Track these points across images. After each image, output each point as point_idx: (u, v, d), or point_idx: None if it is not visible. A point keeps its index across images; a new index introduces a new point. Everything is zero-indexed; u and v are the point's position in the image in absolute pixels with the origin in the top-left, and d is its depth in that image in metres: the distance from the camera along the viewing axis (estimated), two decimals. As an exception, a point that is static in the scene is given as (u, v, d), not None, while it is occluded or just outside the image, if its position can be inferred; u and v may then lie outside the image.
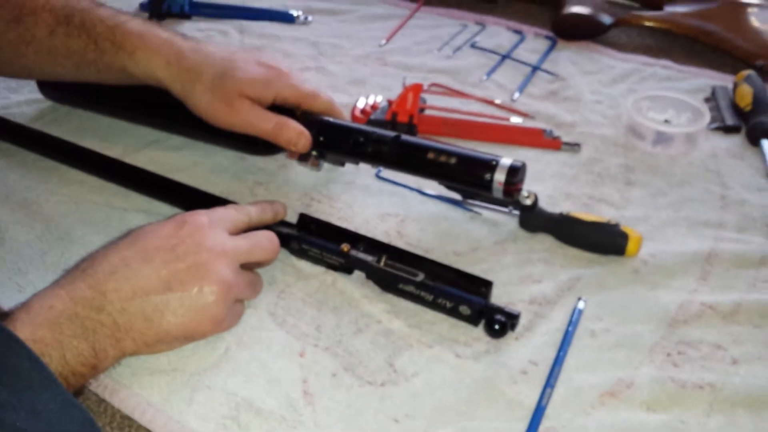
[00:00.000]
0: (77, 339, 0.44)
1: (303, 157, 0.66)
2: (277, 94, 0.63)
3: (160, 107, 0.70)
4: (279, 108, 0.64)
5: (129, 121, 0.76)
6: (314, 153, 0.64)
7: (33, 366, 0.40)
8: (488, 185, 0.57)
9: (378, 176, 0.70)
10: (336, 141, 0.63)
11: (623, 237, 0.59)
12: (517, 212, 0.63)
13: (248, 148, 0.70)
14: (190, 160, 0.72)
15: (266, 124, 0.62)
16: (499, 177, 0.57)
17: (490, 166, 0.57)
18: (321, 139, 0.63)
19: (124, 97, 0.72)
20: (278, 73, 0.64)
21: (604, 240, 0.60)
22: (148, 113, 0.73)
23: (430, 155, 0.59)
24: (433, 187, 0.66)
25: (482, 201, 0.64)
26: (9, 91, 0.82)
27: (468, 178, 0.58)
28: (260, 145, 0.66)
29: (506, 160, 0.57)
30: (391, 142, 0.61)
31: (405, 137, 0.61)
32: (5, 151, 0.72)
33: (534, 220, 0.62)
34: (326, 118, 0.65)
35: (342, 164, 0.68)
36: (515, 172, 0.57)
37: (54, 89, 0.78)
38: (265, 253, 0.55)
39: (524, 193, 0.60)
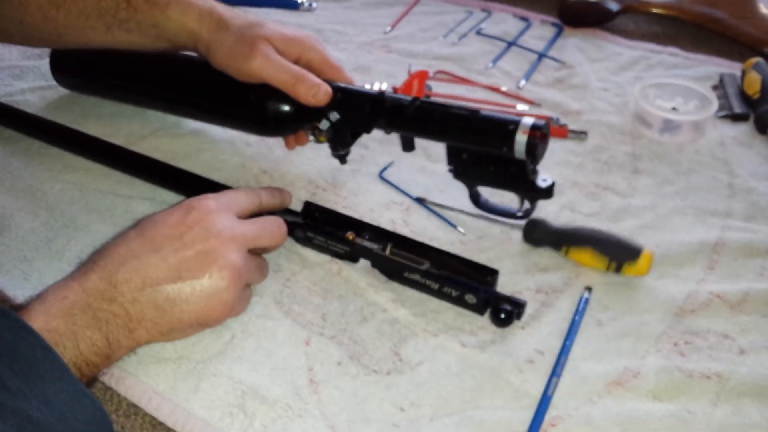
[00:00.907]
0: (90, 329, 0.44)
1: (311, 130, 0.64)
2: (302, 54, 0.62)
3: (174, 88, 0.69)
4: None
5: (142, 106, 0.75)
6: (321, 127, 0.61)
7: (46, 356, 0.40)
8: (511, 135, 0.54)
9: (381, 177, 0.69)
10: (354, 105, 0.60)
11: (637, 249, 0.56)
12: (521, 219, 0.60)
13: (258, 127, 0.67)
14: (195, 148, 0.71)
15: (284, 73, 0.59)
16: (524, 127, 0.54)
17: (514, 121, 0.54)
18: (338, 96, 0.60)
19: (140, 79, 0.72)
20: (308, 36, 0.63)
21: (616, 248, 0.57)
22: (162, 95, 0.72)
23: (453, 110, 0.57)
24: (434, 194, 0.66)
25: (493, 184, 0.60)
26: (13, 78, 0.82)
27: (491, 129, 0.55)
28: (271, 123, 0.63)
29: (529, 118, 0.55)
30: (411, 102, 0.58)
31: (424, 98, 0.59)
32: (9, 139, 0.72)
33: (538, 233, 0.59)
34: (342, 84, 0.62)
35: (348, 144, 0.64)
36: (539, 127, 0.54)
37: (69, 76, 0.77)
38: (273, 238, 0.54)
39: (542, 176, 0.57)
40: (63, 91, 0.79)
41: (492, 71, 0.87)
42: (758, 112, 0.77)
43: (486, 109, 0.56)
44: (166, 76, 0.70)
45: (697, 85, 0.78)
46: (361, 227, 0.58)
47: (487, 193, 0.62)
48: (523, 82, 0.84)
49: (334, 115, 0.61)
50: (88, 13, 0.63)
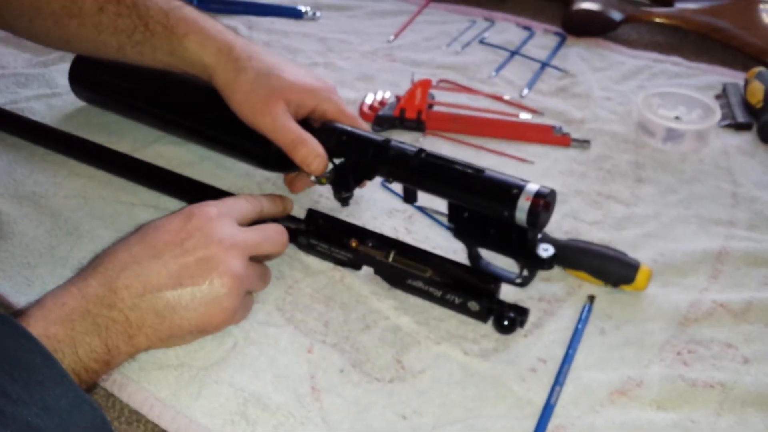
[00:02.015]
0: (89, 336, 0.44)
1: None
2: (317, 105, 0.62)
3: (187, 117, 0.70)
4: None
5: (155, 128, 0.75)
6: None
7: (45, 362, 0.40)
8: (514, 200, 0.51)
9: (383, 185, 0.69)
10: (358, 150, 0.59)
11: (633, 268, 0.56)
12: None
13: (259, 161, 0.68)
14: (198, 156, 0.72)
15: (288, 134, 0.60)
16: (528, 193, 0.51)
17: (518, 185, 0.52)
18: (344, 138, 0.60)
19: (157, 104, 0.72)
20: (325, 87, 0.63)
21: (612, 270, 0.57)
22: (175, 122, 0.72)
23: (457, 167, 0.54)
24: (437, 203, 0.65)
25: (492, 248, 0.56)
26: (18, 86, 0.82)
27: (493, 192, 0.53)
28: (272, 160, 0.64)
29: (534, 184, 0.52)
30: (416, 154, 0.56)
31: (430, 151, 0.57)
32: (14, 146, 0.73)
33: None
34: (348, 126, 0.61)
35: (349, 189, 0.62)
36: (543, 195, 0.51)
37: (87, 90, 0.77)
38: (274, 245, 0.54)
39: (543, 245, 0.54)
40: (67, 98, 0.79)
41: (495, 80, 0.87)
42: (761, 121, 0.77)
43: (492, 170, 0.54)
44: (182, 104, 0.70)
45: (700, 95, 0.78)
46: (364, 235, 0.58)
47: (488, 254, 0.58)
48: (525, 91, 0.84)
49: (339, 159, 0.61)
50: (102, 29, 0.62)
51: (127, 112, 0.76)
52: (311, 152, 0.59)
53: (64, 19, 0.62)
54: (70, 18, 0.62)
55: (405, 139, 0.75)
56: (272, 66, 0.61)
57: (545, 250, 0.53)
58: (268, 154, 0.63)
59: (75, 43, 0.65)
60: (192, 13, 0.62)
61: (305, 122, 0.62)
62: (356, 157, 0.60)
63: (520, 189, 0.51)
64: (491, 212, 0.53)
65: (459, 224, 0.56)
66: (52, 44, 0.69)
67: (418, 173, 0.56)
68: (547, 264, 0.53)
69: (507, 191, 0.51)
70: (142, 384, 0.49)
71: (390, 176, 0.59)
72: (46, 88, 0.81)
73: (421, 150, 0.56)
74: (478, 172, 0.53)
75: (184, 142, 0.73)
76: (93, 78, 0.76)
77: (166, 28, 0.61)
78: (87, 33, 0.63)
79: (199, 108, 0.68)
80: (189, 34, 0.61)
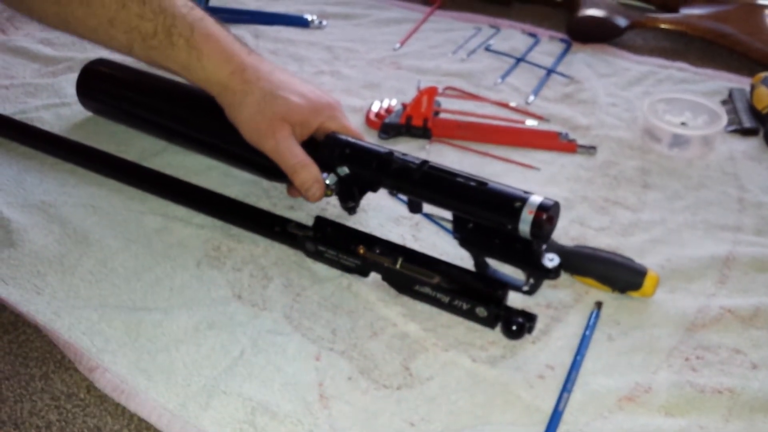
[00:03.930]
0: None
1: None
2: (322, 124, 0.63)
3: (193, 128, 0.70)
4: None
5: (160, 138, 0.75)
6: (328, 182, 0.61)
7: None
8: (517, 213, 0.51)
9: (390, 192, 0.69)
10: (362, 162, 0.60)
11: (640, 275, 0.56)
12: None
13: (264, 172, 0.68)
14: (205, 164, 0.72)
15: (291, 158, 0.61)
16: (531, 206, 0.51)
17: (521, 197, 0.52)
18: (347, 151, 0.60)
19: (163, 116, 0.72)
20: (328, 104, 0.64)
21: (619, 276, 0.57)
22: (181, 133, 0.72)
23: (460, 180, 0.54)
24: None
25: (498, 257, 0.56)
26: (27, 96, 0.83)
27: (496, 204, 0.53)
28: (277, 171, 0.63)
29: (537, 196, 0.52)
30: (419, 166, 0.56)
31: (433, 163, 0.57)
32: (23, 155, 0.73)
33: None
34: (352, 138, 0.62)
35: (355, 200, 0.63)
36: (546, 208, 0.51)
37: (94, 100, 0.77)
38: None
39: (548, 255, 0.53)
40: (76, 108, 0.80)
41: (501, 87, 0.87)
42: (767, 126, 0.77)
43: (495, 182, 0.54)
44: (189, 116, 0.70)
45: (706, 100, 0.78)
46: (371, 241, 0.58)
47: (495, 262, 0.58)
48: (531, 98, 0.84)
49: (343, 170, 0.61)
50: (116, 24, 0.60)
51: (135, 123, 0.76)
52: (310, 178, 0.60)
53: (72, 3, 0.60)
54: (79, 4, 0.60)
55: (411, 146, 0.76)
56: (278, 86, 0.62)
57: (551, 260, 0.53)
58: (272, 166, 0.64)
59: (74, 27, 0.63)
60: (214, 27, 0.62)
61: (310, 139, 0.63)
62: (360, 169, 0.60)
63: (523, 202, 0.51)
64: (495, 224, 0.53)
65: (464, 233, 0.56)
66: (47, 21, 0.66)
67: (420, 186, 0.56)
68: (552, 274, 0.53)
69: (510, 204, 0.52)
70: (151, 394, 0.49)
71: (394, 188, 0.59)
72: (54, 98, 0.82)
73: (424, 162, 0.57)
74: (481, 184, 0.54)
75: (191, 151, 0.74)
76: (100, 89, 0.76)
77: (188, 43, 0.60)
78: (94, 22, 0.61)
79: (205, 120, 0.68)
80: (210, 55, 0.61)
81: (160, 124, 0.73)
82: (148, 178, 0.68)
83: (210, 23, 0.62)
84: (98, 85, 0.76)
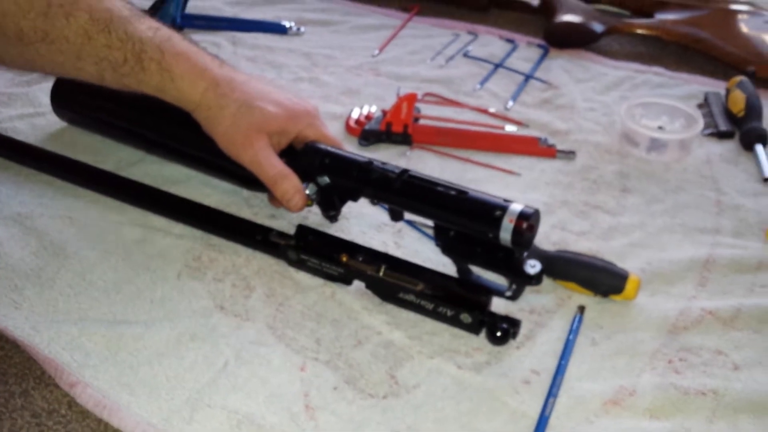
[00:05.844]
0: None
1: None
2: (300, 132, 0.63)
3: (171, 138, 0.70)
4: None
5: (138, 149, 0.74)
6: (308, 192, 0.61)
7: None
8: (497, 222, 0.51)
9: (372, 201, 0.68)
10: (341, 171, 0.60)
11: (622, 278, 0.57)
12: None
13: (243, 182, 0.68)
14: (184, 174, 0.71)
15: (270, 169, 0.60)
16: (511, 215, 0.51)
17: (501, 206, 0.52)
18: (326, 161, 0.60)
19: (141, 126, 0.71)
20: (306, 112, 0.63)
21: (601, 280, 0.57)
22: (159, 144, 0.71)
23: (440, 189, 0.54)
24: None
25: (480, 265, 0.56)
26: (0, 106, 0.81)
27: (477, 213, 0.53)
28: (256, 181, 0.62)
29: (518, 204, 0.52)
30: (398, 175, 0.56)
31: (413, 172, 0.57)
32: (-2, 167, 0.72)
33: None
34: (332, 148, 0.61)
35: (336, 208, 0.63)
36: (527, 216, 0.51)
37: (69, 110, 0.76)
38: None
39: (531, 262, 0.53)
40: (51, 118, 0.79)
41: (480, 93, 0.88)
42: (743, 129, 0.78)
43: (475, 191, 0.54)
44: (165, 127, 0.70)
45: (683, 104, 0.79)
46: (354, 249, 0.58)
47: (478, 268, 0.58)
48: (510, 103, 0.85)
49: (324, 180, 0.60)
50: (84, 56, 0.59)
51: (111, 134, 0.75)
52: (291, 189, 0.60)
53: (35, 43, 0.58)
54: (42, 42, 0.58)
55: (392, 153, 0.76)
56: (254, 96, 0.61)
57: (533, 267, 0.53)
58: (252, 176, 0.63)
59: (41, 66, 0.62)
60: (182, 45, 0.61)
61: (289, 147, 0.63)
62: (339, 179, 0.60)
63: (504, 210, 0.51)
64: (476, 233, 0.53)
65: (445, 242, 0.56)
66: (11, 63, 0.64)
67: (400, 195, 0.56)
68: (534, 280, 0.53)
69: (490, 213, 0.52)
70: (133, 409, 0.48)
71: (374, 198, 0.59)
72: (29, 108, 0.81)
73: (404, 171, 0.56)
74: (461, 193, 0.54)
75: (170, 161, 0.73)
76: (75, 99, 0.75)
77: (160, 66, 0.60)
78: (61, 59, 0.60)
79: (183, 130, 0.67)
80: (183, 77, 0.60)
81: (138, 134, 0.72)
82: (127, 189, 0.67)
83: (178, 41, 0.61)
84: (73, 95, 0.75)
